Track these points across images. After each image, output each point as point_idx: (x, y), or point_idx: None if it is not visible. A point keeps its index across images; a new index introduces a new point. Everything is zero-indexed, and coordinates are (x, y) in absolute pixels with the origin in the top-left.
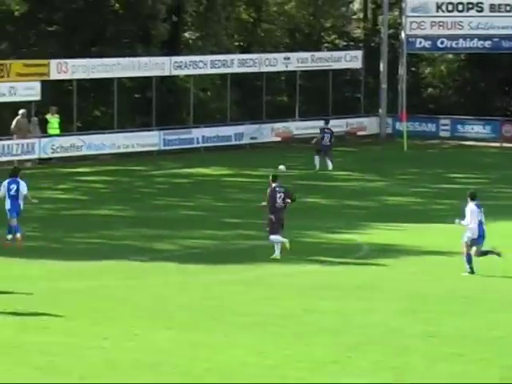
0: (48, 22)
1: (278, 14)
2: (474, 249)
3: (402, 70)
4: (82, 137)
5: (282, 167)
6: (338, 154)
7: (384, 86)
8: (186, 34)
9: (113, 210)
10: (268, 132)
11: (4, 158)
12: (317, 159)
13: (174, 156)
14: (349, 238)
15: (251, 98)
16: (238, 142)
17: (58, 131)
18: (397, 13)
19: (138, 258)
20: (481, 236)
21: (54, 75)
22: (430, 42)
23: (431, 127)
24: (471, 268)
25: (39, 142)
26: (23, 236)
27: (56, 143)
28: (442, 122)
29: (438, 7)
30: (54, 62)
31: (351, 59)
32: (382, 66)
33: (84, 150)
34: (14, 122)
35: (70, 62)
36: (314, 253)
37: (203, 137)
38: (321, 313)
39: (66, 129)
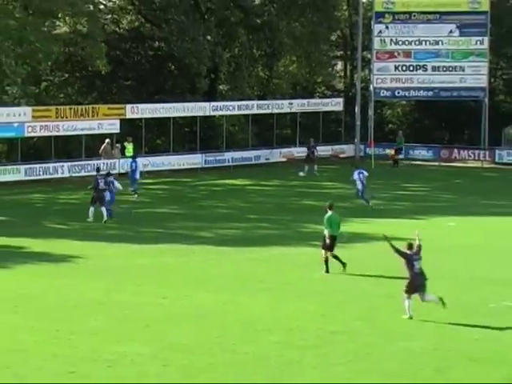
0: (125, 78)
1: (284, 73)
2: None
3: (370, 112)
4: (148, 158)
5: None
6: (326, 170)
7: (358, 123)
8: (221, 87)
9: (169, 209)
10: (277, 154)
11: (94, 173)
12: (306, 167)
13: (212, 171)
14: None
15: (266, 131)
16: (256, 162)
17: (132, 154)
18: (367, 71)
19: (187, 242)
20: None
21: (129, 115)
22: (390, 92)
23: (390, 152)
24: None
25: (119, 162)
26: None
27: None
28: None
29: (396, 68)
30: (128, 106)
31: (335, 104)
32: (357, 109)
33: (149, 167)
34: (101, 148)
35: (140, 106)
36: (310, 239)
37: (232, 158)
38: (313, 280)
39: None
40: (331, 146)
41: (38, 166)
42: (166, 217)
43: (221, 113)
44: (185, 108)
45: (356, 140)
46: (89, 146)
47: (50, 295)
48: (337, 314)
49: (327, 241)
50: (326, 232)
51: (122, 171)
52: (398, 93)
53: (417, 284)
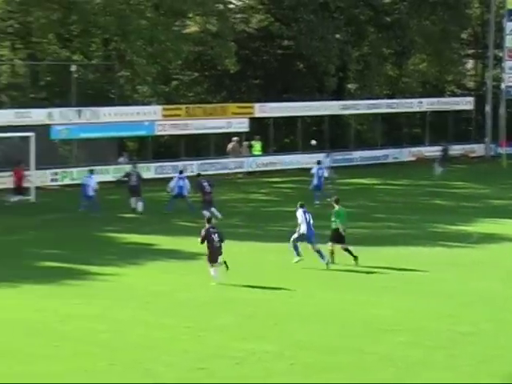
0: (253, 77)
1: (414, 71)
2: None
3: (502, 111)
4: (275, 156)
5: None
6: (455, 169)
7: (489, 122)
8: (349, 85)
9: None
10: (406, 154)
11: (222, 171)
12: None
13: (339, 170)
14: (463, 229)
15: (394, 130)
16: (384, 161)
17: (260, 153)
18: (499, 70)
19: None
20: None
21: (258, 114)
22: None
23: None
24: None
25: (247, 160)
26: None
27: (258, 161)
28: None
29: None
30: (257, 105)
31: (466, 103)
32: (488, 108)
33: (277, 165)
34: (229, 146)
35: (268, 105)
36: (438, 239)
37: (360, 157)
38: (438, 280)
39: (265, 151)
40: (461, 145)
41: (167, 164)
42: (293, 215)
43: (349, 112)
44: (313, 107)
45: (486, 139)
46: (217, 144)
47: (180, 292)
48: (465, 314)
49: (337, 233)
50: (334, 225)
51: (250, 169)
52: None
53: None
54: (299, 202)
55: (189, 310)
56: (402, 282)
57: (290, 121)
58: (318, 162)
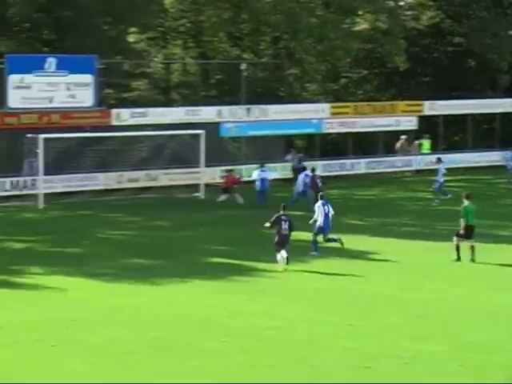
0: (423, 75)
1: None
2: None
3: None
4: (444, 155)
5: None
6: None
7: None
8: None
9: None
10: None
11: (390, 169)
12: None
13: None
14: None
15: None
16: None
17: (428, 151)
18: None
19: (484, 240)
20: None
21: (427, 112)
22: None
23: None
24: None
25: (415, 158)
26: None
27: (427, 159)
28: None
29: None
30: (426, 103)
31: None
32: None
33: (446, 164)
34: (397, 144)
35: (438, 102)
36: None
37: None
38: None
39: (434, 149)
40: None
41: (335, 162)
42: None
43: None
44: (484, 104)
45: None
46: (385, 142)
47: (346, 290)
48: None
49: (461, 231)
50: (461, 221)
51: (419, 168)
52: None
53: None
54: (319, 194)
55: (354, 308)
56: None
57: (460, 119)
58: (439, 160)
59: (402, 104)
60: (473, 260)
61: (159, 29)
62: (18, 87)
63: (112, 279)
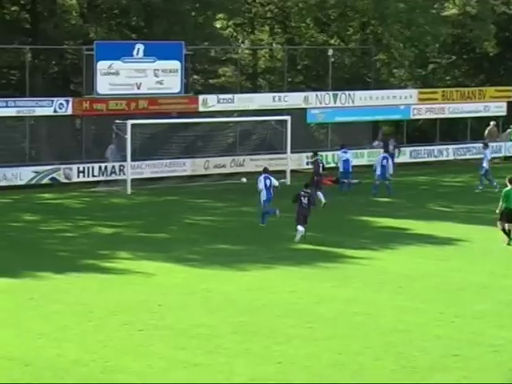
0: None
1: None
2: None
3: None
4: None
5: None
6: None
7: None
8: None
9: None
10: None
11: (478, 156)
12: None
13: None
14: None
15: None
16: None
17: None
18: None
19: None
20: None
21: None
22: None
23: None
24: None
25: (505, 145)
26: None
27: None
28: None
29: None
30: None
31: None
32: None
33: None
34: (486, 131)
35: None
36: None
37: None
38: None
39: None
40: None
41: (422, 148)
42: None
43: None
44: None
45: None
46: (474, 128)
47: (434, 277)
48: None
49: (508, 213)
50: (505, 205)
51: (508, 155)
52: None
53: None
54: (263, 167)
55: (443, 295)
56: None
57: None
58: (486, 145)
59: (491, 90)
60: (509, 244)
61: (246, 15)
62: (106, 73)
63: (198, 264)
